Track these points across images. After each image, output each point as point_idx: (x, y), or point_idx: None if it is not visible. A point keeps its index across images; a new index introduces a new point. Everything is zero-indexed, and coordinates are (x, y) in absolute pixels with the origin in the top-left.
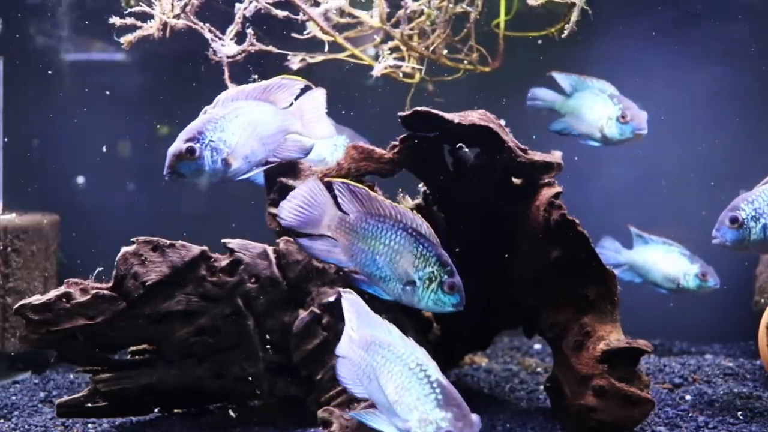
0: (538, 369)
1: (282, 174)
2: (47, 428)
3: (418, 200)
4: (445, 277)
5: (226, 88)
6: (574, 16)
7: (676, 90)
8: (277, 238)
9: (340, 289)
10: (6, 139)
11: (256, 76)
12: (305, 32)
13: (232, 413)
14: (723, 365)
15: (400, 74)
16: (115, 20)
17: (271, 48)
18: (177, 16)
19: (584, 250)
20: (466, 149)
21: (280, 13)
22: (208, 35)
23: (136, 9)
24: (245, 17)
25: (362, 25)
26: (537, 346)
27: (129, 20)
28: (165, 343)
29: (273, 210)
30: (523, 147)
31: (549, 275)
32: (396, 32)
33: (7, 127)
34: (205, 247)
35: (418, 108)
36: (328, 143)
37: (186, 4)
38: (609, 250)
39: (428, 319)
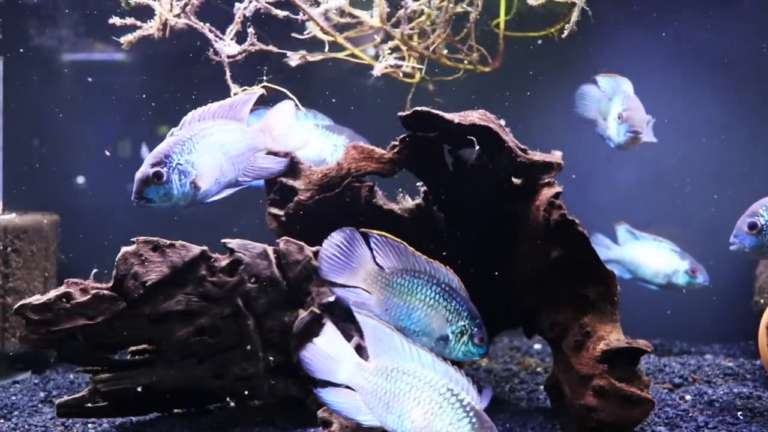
0: (538, 369)
1: (282, 174)
2: (47, 428)
3: (418, 200)
4: (475, 329)
5: (227, 87)
6: (574, 16)
7: (677, 90)
8: (277, 238)
9: (353, 308)
10: (6, 139)
11: (265, 78)
12: (305, 32)
13: (231, 403)
14: (723, 365)
15: (400, 74)
16: (115, 20)
17: (271, 48)
18: (177, 16)
19: (584, 250)
20: (473, 149)
21: (281, 13)
22: (210, 35)
23: (138, 0)
24: (245, 17)
25: (362, 24)
26: (537, 346)
27: (129, 20)
28: (165, 343)
29: (273, 210)
30: (523, 147)
31: (549, 275)
32: (396, 32)
33: (7, 127)
34: (205, 247)
35: (418, 108)
36: (328, 143)
37: (186, 4)
38: (599, 246)
39: None
